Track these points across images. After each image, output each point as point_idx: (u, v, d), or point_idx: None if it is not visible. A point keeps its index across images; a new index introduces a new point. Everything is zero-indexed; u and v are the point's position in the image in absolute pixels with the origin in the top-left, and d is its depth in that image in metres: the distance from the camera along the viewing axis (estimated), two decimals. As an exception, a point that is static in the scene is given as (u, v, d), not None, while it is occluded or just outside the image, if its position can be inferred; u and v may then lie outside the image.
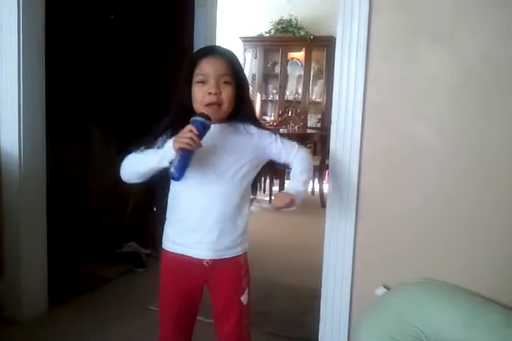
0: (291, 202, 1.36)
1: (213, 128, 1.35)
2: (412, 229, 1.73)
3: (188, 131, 1.26)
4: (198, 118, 1.30)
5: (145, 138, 1.46)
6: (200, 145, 1.28)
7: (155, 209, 3.40)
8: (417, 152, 1.71)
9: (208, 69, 1.36)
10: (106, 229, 3.42)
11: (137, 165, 1.41)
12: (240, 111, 1.43)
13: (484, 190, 1.64)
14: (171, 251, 1.46)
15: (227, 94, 1.36)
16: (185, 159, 1.27)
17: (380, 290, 1.72)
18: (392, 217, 1.76)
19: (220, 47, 1.47)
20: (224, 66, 1.37)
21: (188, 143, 1.25)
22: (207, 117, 1.31)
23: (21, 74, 2.20)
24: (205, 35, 3.39)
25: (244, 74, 1.46)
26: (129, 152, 1.44)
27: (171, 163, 1.28)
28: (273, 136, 1.48)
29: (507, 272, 1.63)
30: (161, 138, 1.42)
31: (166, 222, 1.49)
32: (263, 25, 6.80)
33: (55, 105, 2.49)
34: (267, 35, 6.86)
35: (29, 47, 2.21)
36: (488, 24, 1.60)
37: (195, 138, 1.26)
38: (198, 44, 3.42)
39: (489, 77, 1.62)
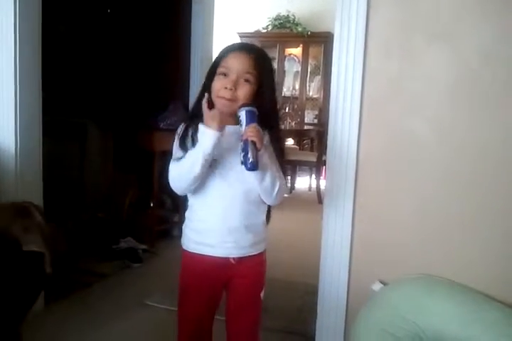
0: (260, 142, 1.28)
1: (234, 128, 1.33)
2: (409, 224, 1.74)
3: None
4: (248, 108, 1.29)
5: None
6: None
7: (152, 204, 3.40)
8: (414, 149, 1.71)
9: (232, 63, 1.33)
10: (103, 224, 3.41)
11: (188, 171, 1.32)
12: (259, 113, 1.36)
13: (482, 187, 1.65)
14: (195, 252, 1.42)
15: (243, 91, 1.32)
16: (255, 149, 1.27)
17: (377, 286, 1.72)
18: (389, 213, 1.76)
19: (254, 46, 1.43)
20: (249, 63, 1.32)
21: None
22: (249, 105, 1.30)
23: (18, 71, 2.18)
24: (202, 30, 3.39)
25: (272, 77, 1.41)
26: (166, 163, 1.40)
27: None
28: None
29: (506, 268, 1.64)
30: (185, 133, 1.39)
31: (186, 222, 1.45)
32: (260, 21, 6.79)
33: (51, 100, 2.48)
34: (264, 30, 6.85)
35: (26, 44, 2.19)
36: (486, 21, 1.60)
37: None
38: (196, 39, 3.41)
39: (486, 74, 1.62)
